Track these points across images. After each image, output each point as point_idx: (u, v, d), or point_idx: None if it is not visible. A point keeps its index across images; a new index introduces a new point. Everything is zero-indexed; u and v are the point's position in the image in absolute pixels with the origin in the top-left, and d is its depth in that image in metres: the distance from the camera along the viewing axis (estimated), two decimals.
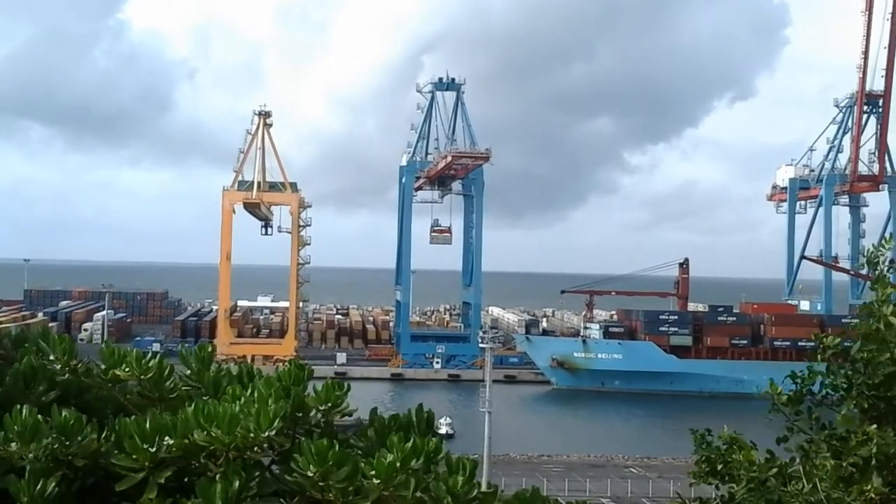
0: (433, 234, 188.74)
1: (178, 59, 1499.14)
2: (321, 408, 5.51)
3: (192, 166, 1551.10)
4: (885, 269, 9.92)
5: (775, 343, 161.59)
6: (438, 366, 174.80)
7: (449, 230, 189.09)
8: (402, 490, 4.91)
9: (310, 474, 4.78)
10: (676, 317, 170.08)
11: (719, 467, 9.70)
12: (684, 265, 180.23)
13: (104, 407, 5.67)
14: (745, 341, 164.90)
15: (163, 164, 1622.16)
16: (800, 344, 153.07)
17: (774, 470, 9.27)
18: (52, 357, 5.81)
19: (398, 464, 4.95)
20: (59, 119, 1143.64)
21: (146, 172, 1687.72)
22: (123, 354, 5.76)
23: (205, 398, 5.37)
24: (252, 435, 4.97)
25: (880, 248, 10.23)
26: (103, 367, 5.79)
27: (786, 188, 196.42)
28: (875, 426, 8.68)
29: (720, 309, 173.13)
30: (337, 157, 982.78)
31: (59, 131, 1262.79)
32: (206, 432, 4.91)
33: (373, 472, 4.90)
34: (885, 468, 8.60)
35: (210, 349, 6.20)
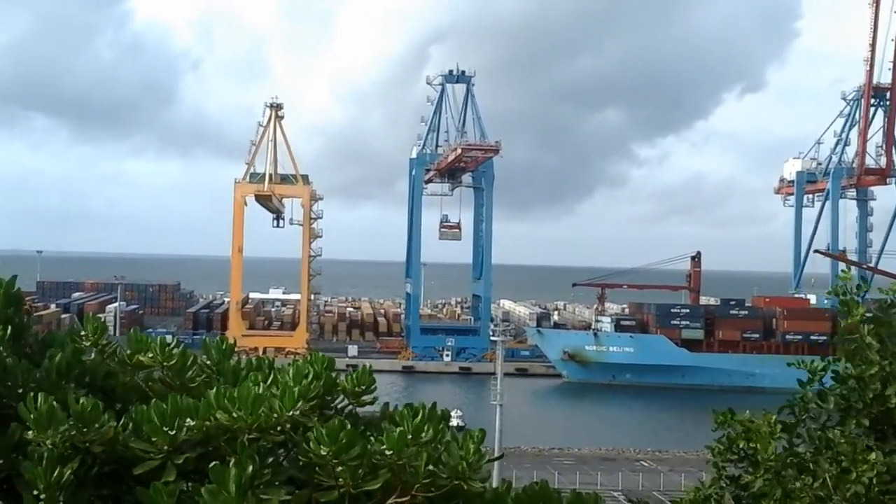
0: (442, 230, 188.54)
1: (182, 49, 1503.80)
2: (356, 389, 5.58)
3: (196, 157, 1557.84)
4: (854, 296, 10.12)
5: (787, 337, 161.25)
6: (448, 359, 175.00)
7: (458, 226, 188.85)
8: (415, 461, 4.97)
9: (323, 453, 4.83)
10: (688, 310, 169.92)
11: (741, 444, 9.79)
12: (696, 258, 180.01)
13: (129, 392, 5.78)
14: (757, 335, 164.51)
15: (167, 155, 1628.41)
16: (812, 338, 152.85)
17: (791, 460, 9.37)
18: (82, 333, 5.98)
19: (409, 436, 5.01)
20: (63, 110, 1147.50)
21: (150, 163, 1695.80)
22: (148, 341, 5.86)
23: (224, 385, 5.42)
24: (276, 415, 5.01)
25: (845, 279, 10.46)
26: (129, 351, 5.90)
27: (793, 181, 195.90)
28: (874, 452, 8.76)
29: (732, 302, 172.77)
30: (343, 150, 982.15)
31: (63, 122, 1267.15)
32: (228, 413, 4.97)
33: (384, 447, 4.96)
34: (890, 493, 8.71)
35: (233, 341, 6.33)
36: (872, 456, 8.68)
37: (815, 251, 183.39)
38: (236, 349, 6.44)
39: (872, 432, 9.36)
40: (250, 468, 4.72)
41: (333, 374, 5.59)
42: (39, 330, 6.49)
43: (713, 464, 10.20)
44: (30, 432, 4.89)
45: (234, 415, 4.96)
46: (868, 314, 9.96)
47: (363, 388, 5.73)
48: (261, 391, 5.12)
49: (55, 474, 4.73)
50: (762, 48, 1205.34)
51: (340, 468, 4.85)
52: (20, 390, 5.33)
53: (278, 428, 5.07)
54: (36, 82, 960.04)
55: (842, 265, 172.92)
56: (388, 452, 4.94)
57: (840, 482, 8.78)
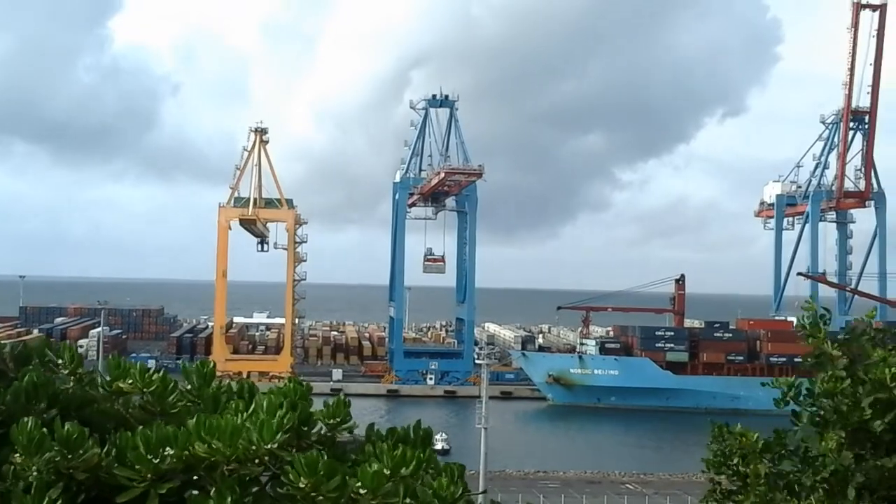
0: (427, 263, 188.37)
1: (163, 73, 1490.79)
2: (329, 422, 5.58)
3: (177, 181, 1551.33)
4: (819, 321, 10.25)
5: (771, 359, 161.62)
6: (432, 382, 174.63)
7: (442, 259, 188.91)
8: (391, 498, 4.95)
9: (301, 485, 4.83)
10: (673, 333, 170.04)
11: (734, 460, 9.84)
12: (680, 281, 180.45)
13: (106, 421, 5.74)
14: (741, 357, 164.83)
15: (148, 179, 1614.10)
16: (796, 360, 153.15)
17: (778, 481, 9.41)
18: (59, 362, 5.94)
19: (386, 471, 5.01)
20: (42, 134, 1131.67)
21: (131, 188, 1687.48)
22: (128, 367, 5.83)
23: (204, 414, 5.39)
24: (254, 447, 4.99)
25: (808, 309, 10.56)
26: (108, 378, 5.88)
27: (773, 205, 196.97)
28: (831, 444, 8.81)
29: (716, 325, 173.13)
30: (324, 173, 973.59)
31: (43, 147, 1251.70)
32: (206, 444, 4.96)
33: (358, 484, 4.95)
34: (864, 486, 8.74)
35: (212, 365, 6.29)
36: (825, 446, 8.74)
37: (798, 274, 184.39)
38: (221, 373, 6.41)
39: (853, 447, 9.40)
40: (229, 498, 4.72)
41: (309, 404, 5.57)
42: (15, 345, 6.45)
43: (709, 478, 10.26)
44: (17, 456, 4.89)
45: (213, 445, 4.95)
46: (838, 336, 10.09)
47: (338, 420, 5.70)
48: (240, 421, 5.12)
49: (45, 502, 4.73)
50: (743, 72, 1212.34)
51: (320, 499, 4.84)
52: None
53: (256, 460, 5.05)
54: (13, 106, 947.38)
55: (821, 289, 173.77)
56: (363, 492, 4.93)
57: (819, 489, 8.83)
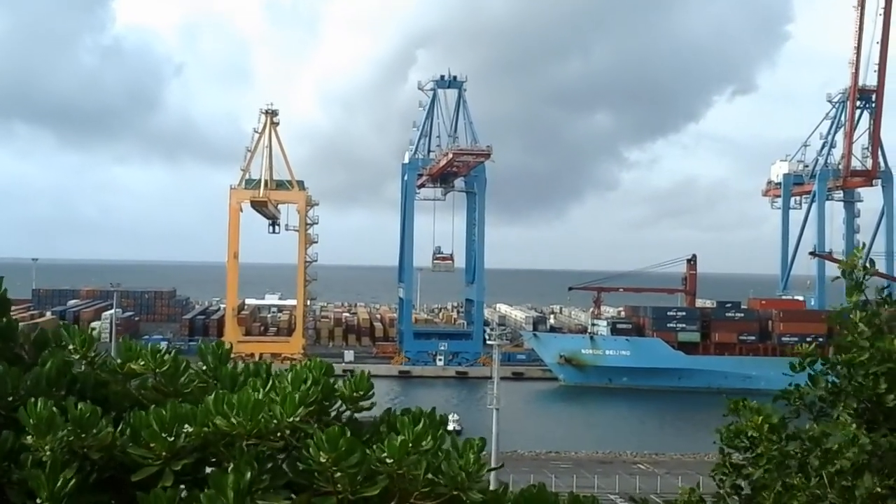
0: (435, 261, 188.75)
1: (165, 53, 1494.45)
2: (354, 394, 5.57)
3: (182, 162, 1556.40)
4: (861, 276, 10.08)
5: (783, 339, 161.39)
6: (441, 363, 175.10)
7: (451, 257, 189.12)
8: (414, 470, 4.95)
9: (322, 460, 4.82)
10: (684, 313, 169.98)
11: (750, 432, 9.83)
12: (692, 261, 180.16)
13: (121, 401, 5.74)
14: (753, 337, 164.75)
15: (153, 161, 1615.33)
16: (808, 340, 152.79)
17: (795, 447, 9.37)
18: (70, 347, 5.91)
19: (409, 444, 5.00)
20: (46, 117, 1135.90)
21: (137, 170, 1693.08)
22: (139, 349, 5.82)
23: (223, 391, 5.40)
24: (276, 421, 4.98)
25: (857, 253, 10.38)
26: (119, 360, 5.85)
27: (780, 184, 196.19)
28: (860, 429, 8.73)
29: (728, 305, 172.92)
30: (330, 155, 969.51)
31: (48, 129, 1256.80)
32: (227, 419, 4.94)
33: (384, 454, 4.95)
34: (876, 469, 8.68)
35: (229, 346, 6.29)
36: (852, 429, 8.67)
37: (810, 253, 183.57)
38: (233, 355, 6.39)
39: (863, 419, 9.35)
40: (248, 474, 4.71)
41: (331, 380, 5.58)
42: (30, 329, 6.44)
43: (719, 448, 10.23)
44: (29, 437, 4.87)
45: (234, 420, 4.93)
46: (863, 302, 9.97)
47: (361, 393, 5.73)
48: (260, 397, 5.10)
49: (60, 483, 4.72)
50: (753, 50, 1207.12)
51: (339, 474, 4.84)
52: (9, 398, 5.32)
53: (278, 434, 5.05)
54: (13, 89, 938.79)
55: (829, 268, 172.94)
56: (388, 461, 4.93)
57: (833, 476, 8.79)
